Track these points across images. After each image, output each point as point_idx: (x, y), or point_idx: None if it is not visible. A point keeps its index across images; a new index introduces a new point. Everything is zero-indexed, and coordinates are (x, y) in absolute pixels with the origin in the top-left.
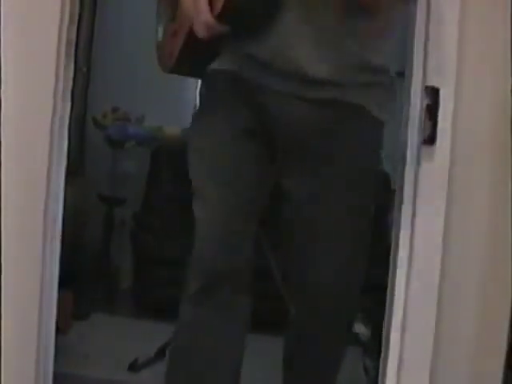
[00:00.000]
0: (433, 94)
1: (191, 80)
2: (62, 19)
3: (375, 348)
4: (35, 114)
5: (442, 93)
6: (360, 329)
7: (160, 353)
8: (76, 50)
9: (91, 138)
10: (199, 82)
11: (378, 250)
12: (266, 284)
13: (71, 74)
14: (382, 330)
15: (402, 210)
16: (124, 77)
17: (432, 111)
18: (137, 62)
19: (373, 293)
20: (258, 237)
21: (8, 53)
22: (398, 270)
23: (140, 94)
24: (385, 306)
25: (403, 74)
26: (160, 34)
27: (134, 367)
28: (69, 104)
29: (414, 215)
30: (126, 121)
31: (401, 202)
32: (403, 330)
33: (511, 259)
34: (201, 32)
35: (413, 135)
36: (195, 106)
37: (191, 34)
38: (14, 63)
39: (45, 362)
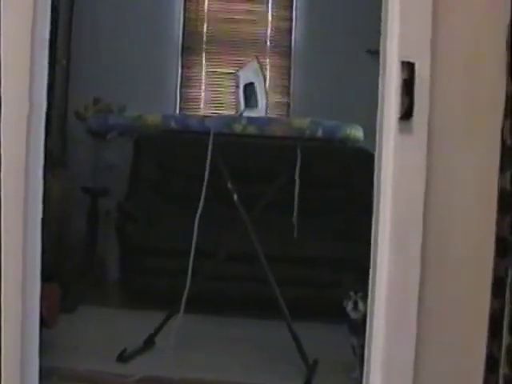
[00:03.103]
0: (408, 68)
1: (172, 68)
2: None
3: (361, 326)
4: (12, 107)
5: (417, 67)
6: (360, 306)
7: (148, 342)
8: (55, 44)
9: (73, 130)
10: (179, 68)
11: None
12: (253, 269)
13: (46, 69)
14: None
15: (382, 184)
16: (105, 67)
17: (408, 86)
18: (117, 52)
19: None
20: (244, 220)
21: None
22: (379, 244)
23: (121, 83)
24: None
25: (375, 52)
26: None
27: (122, 358)
28: (45, 96)
29: (393, 189)
30: (107, 112)
31: (379, 176)
32: (387, 307)
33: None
34: None
35: (390, 111)
36: (175, 92)
37: None
38: None
39: (30, 355)
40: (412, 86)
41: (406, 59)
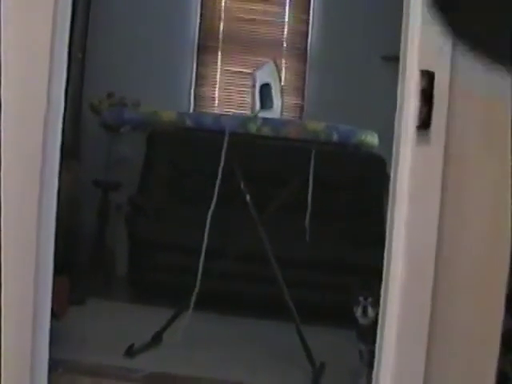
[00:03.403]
0: (428, 78)
1: (187, 65)
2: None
3: (370, 333)
4: (30, 103)
5: (437, 78)
6: (370, 312)
7: (156, 338)
8: (71, 36)
9: (87, 123)
10: (194, 66)
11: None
12: (263, 270)
13: (65, 62)
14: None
15: (397, 192)
16: (120, 62)
17: (427, 95)
18: (133, 48)
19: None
20: (255, 221)
21: (4, 44)
22: (393, 253)
23: (136, 79)
24: None
25: (392, 59)
26: None
27: (130, 352)
28: (63, 94)
29: (409, 199)
30: (122, 106)
31: (395, 185)
32: (399, 317)
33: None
34: None
35: (408, 120)
36: (189, 90)
37: None
38: (9, 54)
39: (40, 347)
40: (431, 96)
41: (425, 69)
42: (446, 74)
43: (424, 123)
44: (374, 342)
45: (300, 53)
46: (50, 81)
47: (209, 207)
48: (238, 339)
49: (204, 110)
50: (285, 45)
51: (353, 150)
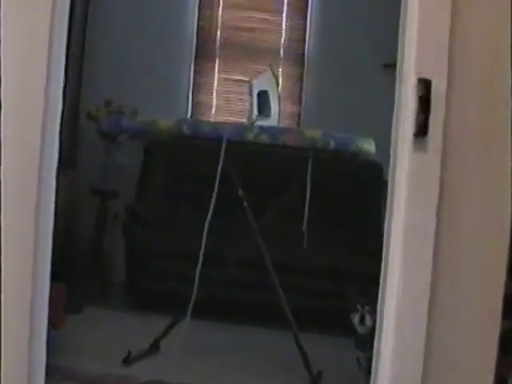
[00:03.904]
0: (425, 85)
1: (185, 73)
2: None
3: (367, 340)
4: (27, 109)
5: (434, 84)
6: (367, 321)
7: (154, 346)
8: (69, 44)
9: (84, 131)
10: (192, 74)
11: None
12: (261, 277)
13: (63, 63)
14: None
15: (395, 200)
16: (118, 70)
17: (424, 103)
18: (130, 55)
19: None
20: (253, 229)
21: (4, 44)
22: (390, 261)
23: (134, 87)
24: None
25: (391, 66)
26: None
27: (127, 360)
28: (60, 98)
29: (406, 205)
30: (119, 114)
31: (393, 193)
32: (396, 324)
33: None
34: None
35: (405, 127)
36: (187, 98)
37: None
38: (8, 55)
39: (38, 353)
40: (428, 104)
41: (422, 76)
42: (443, 82)
43: (421, 130)
44: (371, 348)
45: (297, 60)
46: (47, 81)
47: (206, 215)
48: (235, 347)
49: (201, 118)
50: (282, 52)
51: (350, 157)
